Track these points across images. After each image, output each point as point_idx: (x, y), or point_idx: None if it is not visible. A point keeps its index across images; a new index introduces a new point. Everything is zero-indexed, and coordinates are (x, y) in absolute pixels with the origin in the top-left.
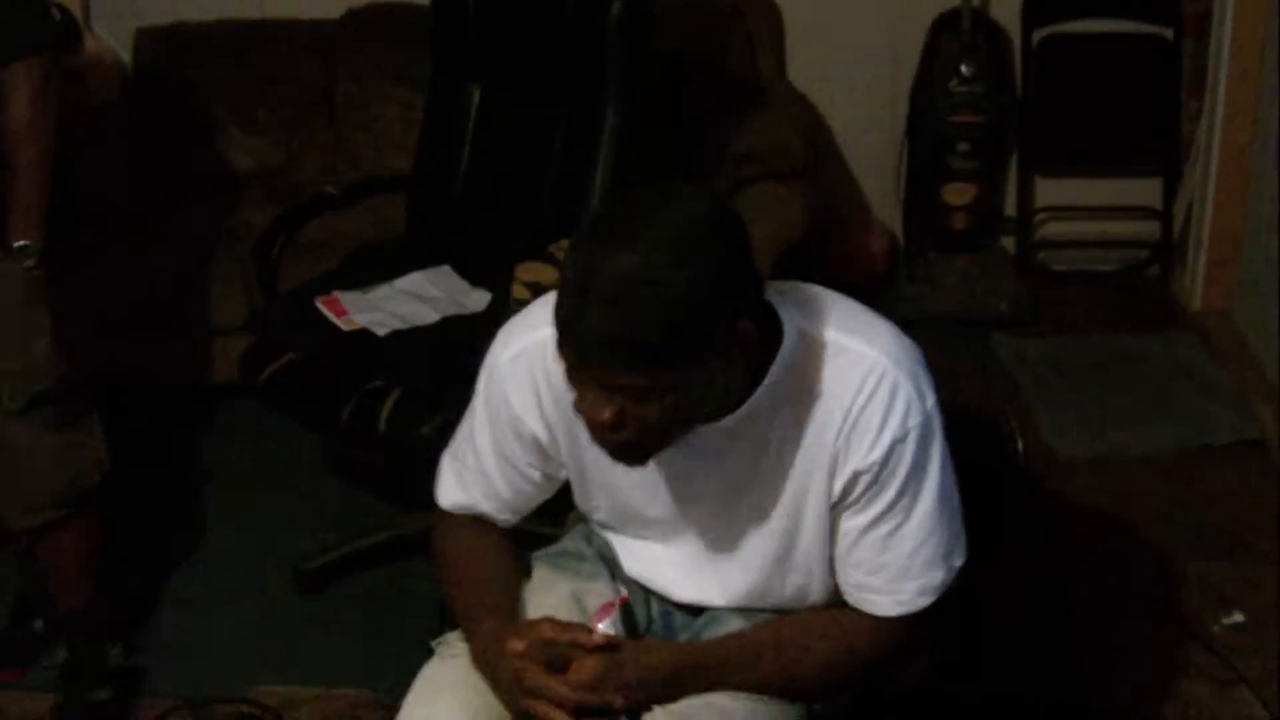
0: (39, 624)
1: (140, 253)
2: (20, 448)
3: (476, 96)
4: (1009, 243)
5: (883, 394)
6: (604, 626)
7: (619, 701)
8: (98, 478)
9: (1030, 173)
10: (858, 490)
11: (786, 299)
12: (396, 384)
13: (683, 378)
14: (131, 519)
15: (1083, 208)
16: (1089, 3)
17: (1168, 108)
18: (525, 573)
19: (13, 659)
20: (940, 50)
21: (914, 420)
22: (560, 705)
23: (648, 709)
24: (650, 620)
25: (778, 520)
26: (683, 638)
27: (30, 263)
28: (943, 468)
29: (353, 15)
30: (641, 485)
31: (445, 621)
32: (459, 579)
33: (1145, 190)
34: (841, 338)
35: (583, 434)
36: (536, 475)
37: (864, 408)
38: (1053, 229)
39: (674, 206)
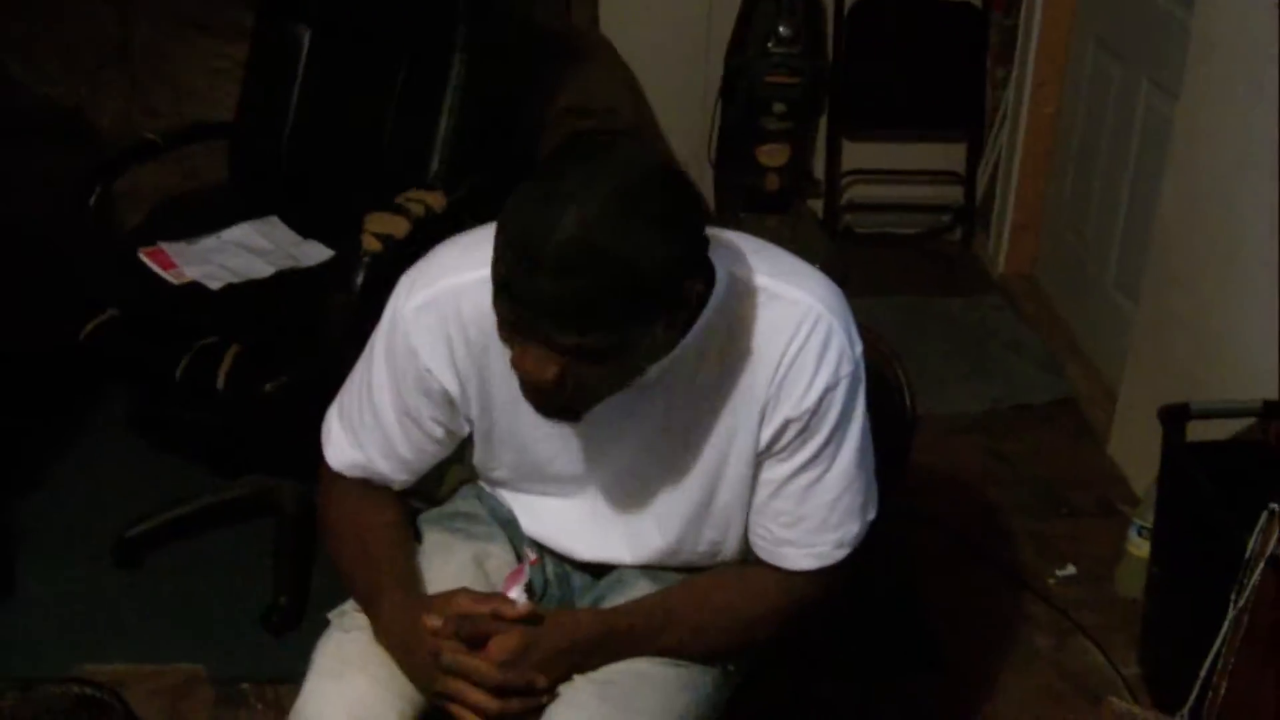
0: None
1: None
2: None
3: (307, 41)
4: (816, 205)
5: (816, 341)
6: (516, 592)
7: (542, 680)
8: None
9: (839, 135)
10: (785, 438)
11: (717, 245)
12: (233, 340)
13: (631, 338)
14: None
15: (888, 171)
16: None
17: (974, 75)
18: (415, 537)
19: None
20: (757, 11)
21: (845, 368)
22: (481, 684)
23: (568, 679)
24: (547, 582)
25: (698, 473)
26: (583, 600)
27: None
28: (864, 417)
29: None
30: (553, 440)
31: (279, 592)
32: (354, 548)
33: (949, 155)
34: (773, 283)
35: (496, 387)
36: (440, 432)
37: (798, 354)
38: (859, 192)
39: (618, 164)
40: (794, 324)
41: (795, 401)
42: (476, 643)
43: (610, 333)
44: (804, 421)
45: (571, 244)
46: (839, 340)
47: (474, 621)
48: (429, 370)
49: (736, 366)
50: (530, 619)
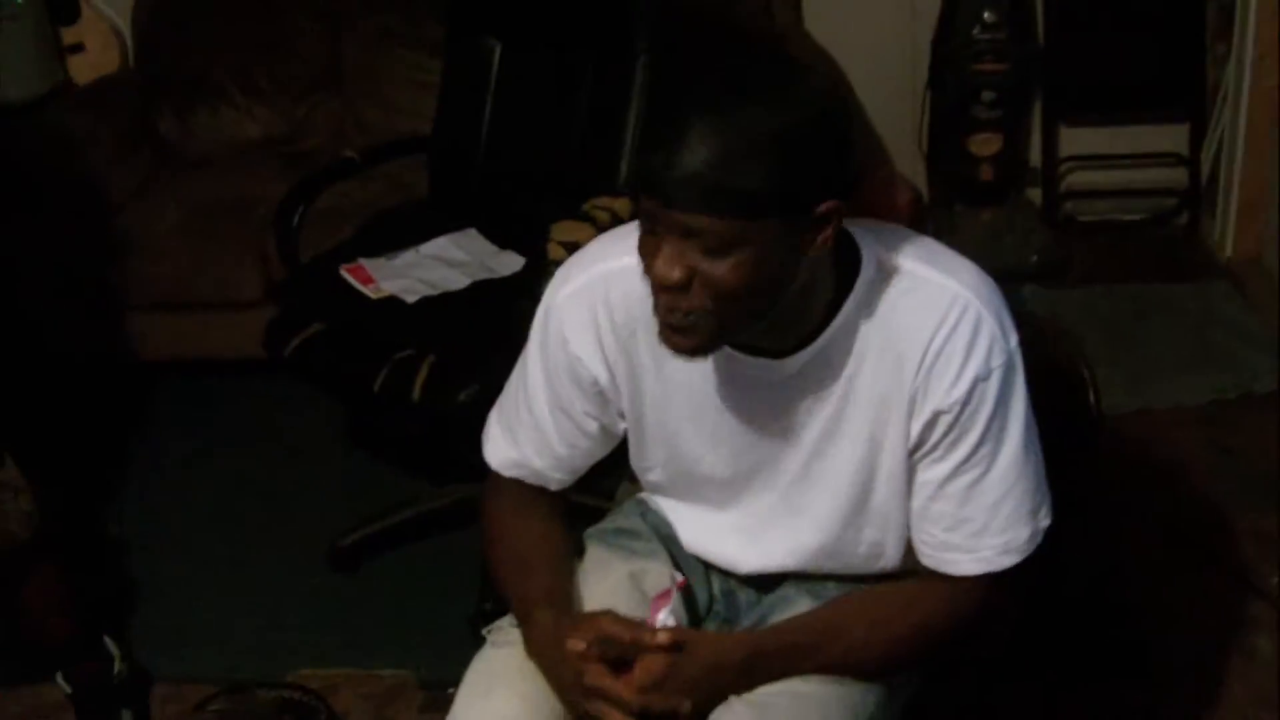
0: None
1: (146, 226)
2: None
3: (497, 53)
4: (1034, 194)
5: (965, 329)
6: (663, 616)
7: (686, 705)
8: (27, 534)
9: (1055, 122)
10: (937, 433)
11: (865, 229)
12: (429, 351)
13: (759, 232)
14: (156, 502)
15: (1108, 156)
16: None
17: (1192, 52)
18: (577, 551)
19: None
20: None
21: (998, 359)
22: (622, 708)
23: (721, 700)
24: (711, 600)
25: (851, 470)
26: (748, 618)
27: None
28: (1026, 414)
29: None
30: (703, 436)
31: (484, 598)
32: (510, 561)
33: (1171, 137)
34: (922, 268)
35: (644, 378)
36: (593, 426)
37: (946, 342)
38: (1078, 178)
39: (776, 71)
40: (941, 310)
41: (944, 392)
42: (621, 665)
43: (735, 214)
44: (955, 414)
45: (717, 120)
46: (990, 328)
47: (616, 644)
48: (579, 358)
49: (883, 355)
50: (673, 647)
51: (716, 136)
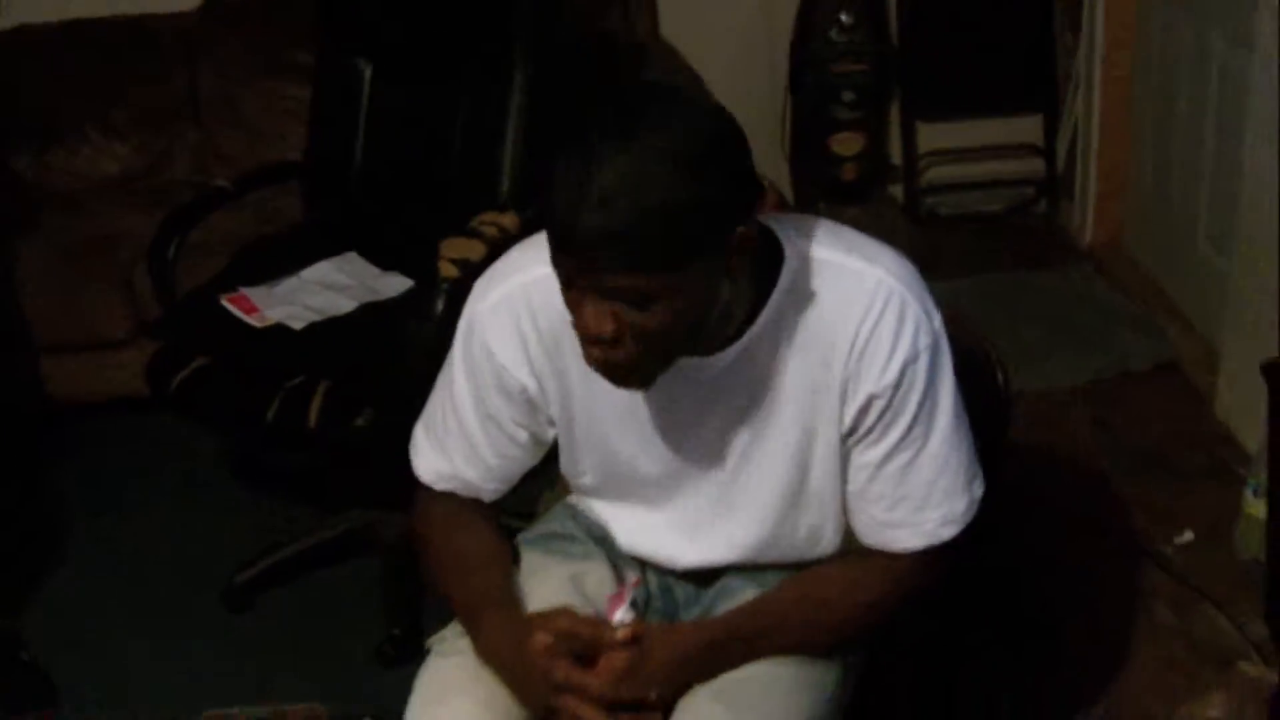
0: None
1: (7, 268)
2: None
3: (368, 74)
4: (896, 190)
5: (891, 314)
6: (621, 614)
7: (653, 694)
8: None
9: (913, 119)
10: (871, 417)
11: (783, 223)
12: (321, 378)
13: (684, 280)
14: (43, 550)
15: (966, 150)
16: None
17: (1044, 44)
18: (514, 559)
19: None
20: (817, 0)
21: (924, 340)
22: (594, 699)
23: (685, 690)
24: (649, 596)
25: (785, 460)
26: (689, 612)
27: None
28: (954, 389)
29: (210, 6)
30: (635, 437)
31: (391, 624)
32: (451, 567)
33: (1026, 128)
34: (843, 257)
35: (574, 384)
36: (523, 435)
37: (874, 328)
38: (938, 173)
39: (671, 105)
40: (867, 298)
41: (875, 377)
42: (586, 660)
43: (659, 270)
44: (887, 398)
45: (620, 175)
46: (914, 312)
47: (577, 639)
48: (505, 368)
49: (811, 346)
50: (634, 641)
51: (625, 195)
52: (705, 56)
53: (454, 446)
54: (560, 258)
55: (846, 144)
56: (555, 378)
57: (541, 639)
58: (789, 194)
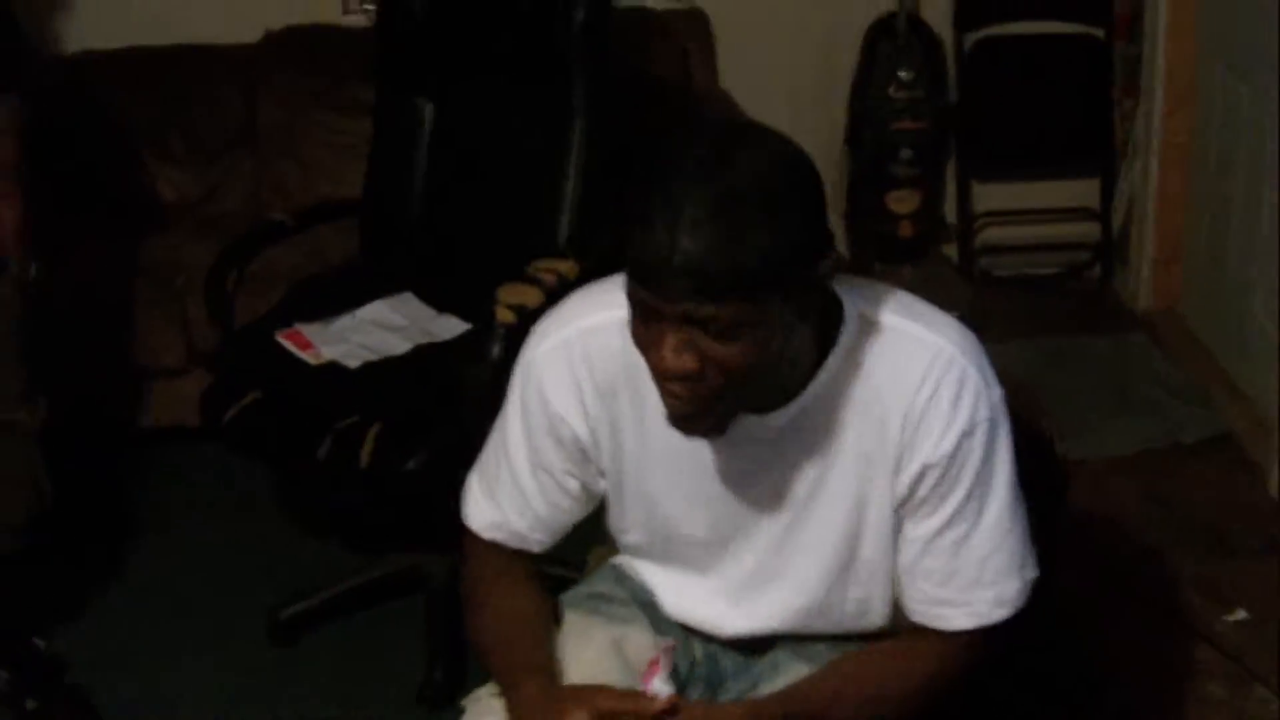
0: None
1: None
2: None
3: (429, 114)
4: (951, 250)
5: (950, 383)
6: (657, 684)
7: None
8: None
9: (969, 178)
10: (925, 488)
11: (845, 285)
12: (374, 419)
13: (766, 313)
14: (88, 577)
15: (1022, 211)
16: (1020, 4)
17: (1101, 108)
18: (555, 618)
19: None
20: (876, 56)
21: (982, 413)
22: None
23: None
24: (693, 664)
25: (836, 529)
26: (736, 684)
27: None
28: (1011, 466)
29: (272, 39)
30: (683, 496)
31: (433, 668)
32: (494, 629)
33: (1083, 191)
34: (905, 323)
35: (626, 437)
36: (574, 485)
37: (931, 397)
38: (993, 234)
39: (758, 143)
40: (925, 365)
41: (931, 447)
42: None
43: (742, 299)
44: (942, 468)
45: (707, 205)
46: (974, 383)
47: (620, 717)
48: (559, 415)
49: (868, 411)
50: (672, 712)
51: (711, 226)
52: (763, 108)
53: (505, 494)
54: (642, 291)
55: (903, 201)
56: (609, 428)
57: (579, 718)
58: (844, 250)
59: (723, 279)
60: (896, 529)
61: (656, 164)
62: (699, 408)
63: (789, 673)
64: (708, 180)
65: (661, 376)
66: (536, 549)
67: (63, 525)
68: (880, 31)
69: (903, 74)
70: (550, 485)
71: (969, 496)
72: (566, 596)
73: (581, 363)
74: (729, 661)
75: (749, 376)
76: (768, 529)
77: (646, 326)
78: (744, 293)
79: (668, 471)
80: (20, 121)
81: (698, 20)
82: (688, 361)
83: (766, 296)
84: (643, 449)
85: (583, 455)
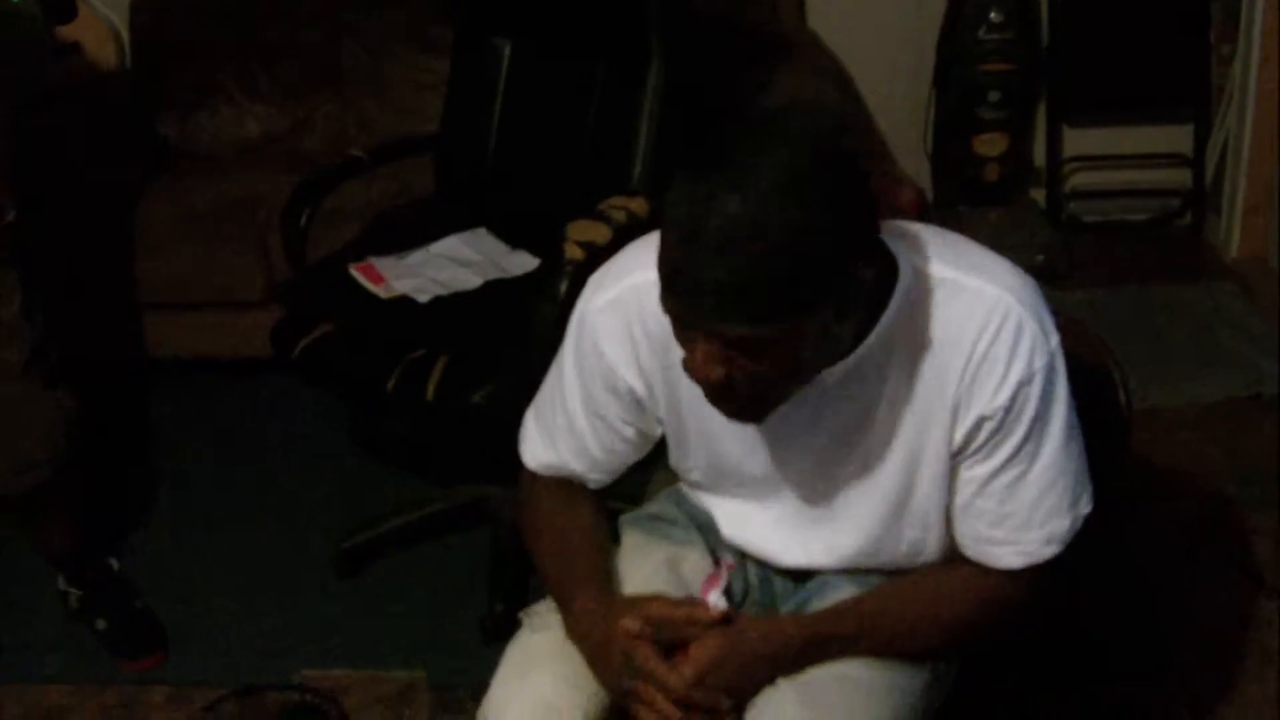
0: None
1: (146, 226)
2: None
3: (507, 53)
4: (1038, 194)
5: (1007, 334)
6: (714, 597)
7: (726, 702)
8: (78, 434)
9: (1058, 122)
10: (981, 437)
11: (898, 237)
12: (442, 352)
13: (799, 328)
14: (160, 502)
15: (1112, 156)
16: None
17: (1197, 53)
18: (614, 538)
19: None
20: None
21: (1040, 361)
22: (669, 691)
23: (770, 683)
24: (747, 587)
25: (892, 474)
26: (787, 605)
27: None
28: (1068, 410)
29: None
30: (742, 440)
31: (494, 600)
32: (550, 547)
33: (1176, 137)
34: (960, 275)
35: (683, 386)
36: (630, 432)
37: (989, 349)
38: (1082, 179)
39: (781, 145)
40: (983, 317)
41: (988, 399)
42: (671, 648)
43: (774, 321)
44: (999, 419)
45: (729, 224)
46: (1031, 331)
47: (672, 627)
48: (614, 369)
49: (925, 364)
50: (727, 621)
51: (739, 245)
52: (851, 50)
53: (561, 439)
54: (672, 300)
55: (990, 144)
56: (664, 381)
57: (629, 624)
58: (929, 192)
59: (747, 302)
60: (952, 474)
61: (684, 168)
62: (734, 406)
63: (840, 592)
64: (727, 195)
65: (694, 377)
66: (594, 486)
67: (134, 453)
68: None
69: (994, 15)
70: (605, 432)
71: (1024, 441)
72: (626, 517)
73: (636, 318)
74: (781, 585)
75: (782, 384)
76: (825, 473)
77: (679, 331)
78: (777, 315)
79: (726, 420)
80: None
81: None
82: (717, 373)
83: (799, 315)
84: (699, 399)
85: (638, 405)
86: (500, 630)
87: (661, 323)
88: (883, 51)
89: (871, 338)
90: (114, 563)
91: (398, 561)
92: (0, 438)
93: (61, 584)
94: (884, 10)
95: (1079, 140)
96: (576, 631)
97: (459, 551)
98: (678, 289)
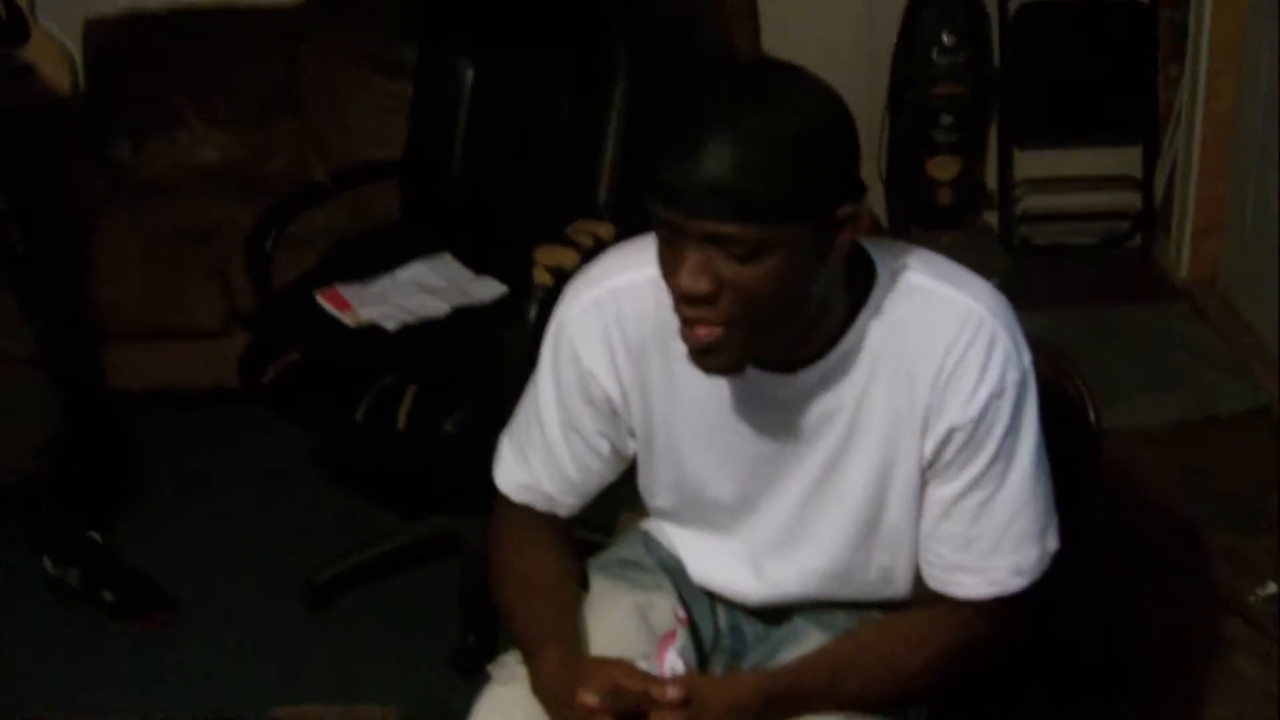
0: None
1: (104, 253)
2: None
3: (470, 76)
4: (991, 217)
5: (980, 344)
6: (671, 658)
7: None
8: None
9: (1010, 145)
10: (951, 450)
11: (877, 244)
12: (411, 380)
13: (786, 238)
14: (126, 534)
15: (1063, 179)
16: None
17: (1145, 75)
18: (582, 582)
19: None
20: (919, 20)
21: (1012, 376)
22: None
23: None
24: (717, 634)
25: (861, 492)
26: (756, 651)
27: None
28: (1037, 433)
29: (312, 1)
30: (712, 457)
31: (466, 631)
32: (517, 593)
33: (1125, 160)
34: (936, 284)
35: (656, 397)
36: (605, 447)
37: (961, 358)
38: (1034, 202)
39: (790, 77)
40: (956, 327)
41: (959, 409)
42: (634, 717)
43: (763, 219)
44: (969, 431)
45: (734, 127)
46: (1004, 345)
47: (629, 698)
48: (591, 374)
49: (896, 372)
50: (685, 702)
51: (737, 144)
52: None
53: (535, 455)
54: (663, 209)
55: (943, 167)
56: (639, 388)
57: (588, 699)
58: (882, 216)
59: (745, 200)
60: (921, 493)
61: (691, 91)
62: (717, 337)
63: (808, 640)
64: (741, 107)
65: (680, 299)
66: (565, 513)
67: (100, 485)
68: None
69: (946, 38)
70: (581, 447)
71: (994, 460)
72: (594, 562)
73: (614, 322)
74: (751, 630)
75: (765, 305)
76: (794, 490)
77: (669, 248)
78: (764, 215)
79: (697, 431)
80: None
81: None
82: (704, 282)
83: (788, 221)
84: (673, 409)
85: (614, 414)
86: (472, 662)
87: (640, 328)
88: (836, 74)
89: (848, 336)
90: (96, 535)
91: (368, 594)
92: (13, 425)
93: (51, 569)
94: (837, 32)
95: (1030, 163)
96: (540, 688)
97: (429, 583)
98: (672, 194)
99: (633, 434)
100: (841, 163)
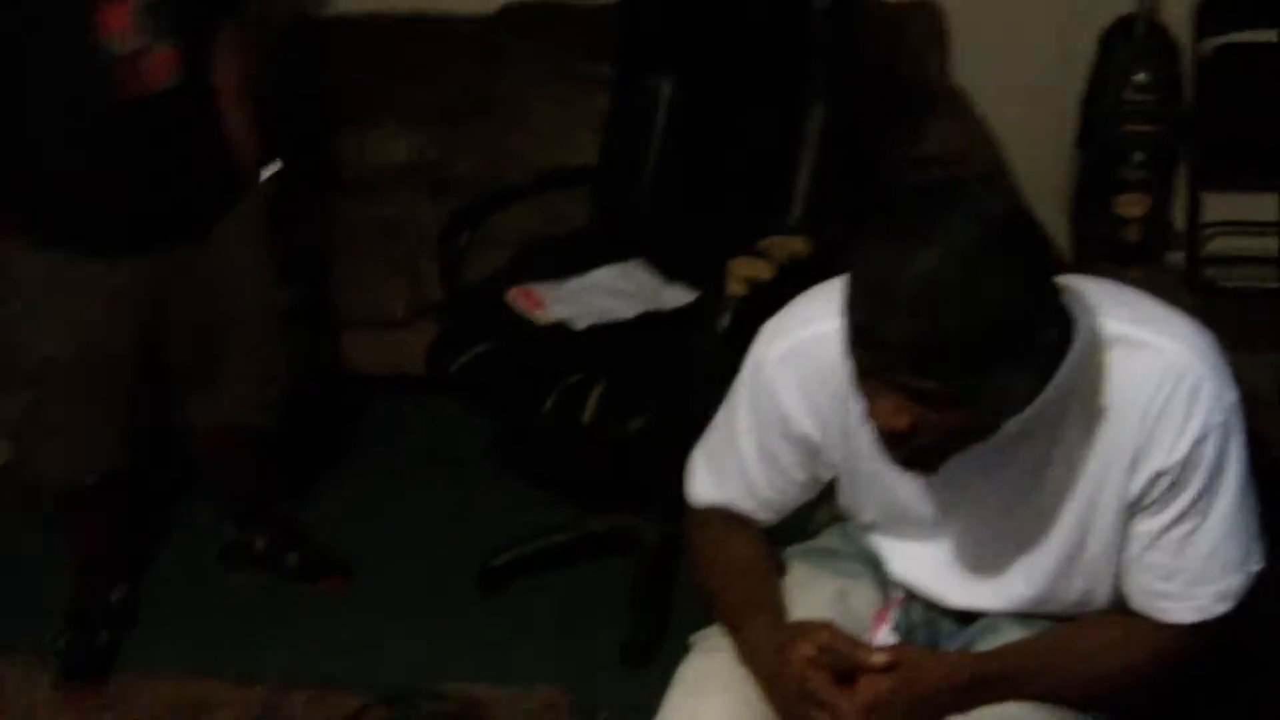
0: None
1: (298, 245)
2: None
3: (667, 91)
4: (1176, 257)
5: (1184, 391)
6: (884, 634)
7: None
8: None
9: (1199, 186)
10: (1156, 492)
11: (1075, 295)
12: (598, 379)
13: (985, 385)
14: (308, 513)
15: (1253, 223)
16: (1263, 12)
17: None
18: (781, 570)
19: None
20: (1113, 58)
21: (1216, 418)
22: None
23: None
24: (913, 625)
25: (1065, 527)
26: (952, 645)
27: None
28: (1242, 466)
29: (509, 10)
30: (916, 488)
31: (639, 630)
32: (720, 572)
33: None
34: (1136, 331)
35: (861, 434)
36: (803, 476)
37: (1165, 406)
38: (1222, 244)
39: (970, 206)
40: (1159, 374)
41: (1164, 454)
42: (844, 677)
43: (963, 378)
44: (1174, 474)
45: (925, 282)
46: (1209, 389)
47: (837, 656)
48: (790, 418)
49: (1101, 419)
50: (892, 668)
51: (931, 302)
52: (995, 105)
53: (731, 480)
54: (860, 352)
55: (1132, 205)
56: (841, 430)
57: (804, 649)
58: (1068, 251)
59: (939, 358)
60: (1125, 527)
61: (875, 224)
62: (911, 455)
63: (1005, 635)
64: (922, 254)
65: (875, 424)
66: (762, 524)
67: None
68: (1118, 33)
69: (1139, 77)
70: (777, 476)
71: (1199, 496)
72: (792, 550)
73: (812, 370)
74: (946, 625)
75: (964, 439)
76: (997, 522)
77: (863, 380)
78: (963, 372)
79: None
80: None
81: (932, 14)
82: (902, 422)
83: (986, 372)
84: (876, 449)
85: (813, 452)
86: (642, 657)
87: (839, 374)
88: (1027, 109)
89: (1049, 391)
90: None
91: (541, 582)
92: (260, 372)
93: (233, 534)
94: (1028, 68)
95: (1220, 205)
96: (748, 655)
97: (604, 578)
98: (868, 343)
99: (833, 466)
100: (1035, 289)
